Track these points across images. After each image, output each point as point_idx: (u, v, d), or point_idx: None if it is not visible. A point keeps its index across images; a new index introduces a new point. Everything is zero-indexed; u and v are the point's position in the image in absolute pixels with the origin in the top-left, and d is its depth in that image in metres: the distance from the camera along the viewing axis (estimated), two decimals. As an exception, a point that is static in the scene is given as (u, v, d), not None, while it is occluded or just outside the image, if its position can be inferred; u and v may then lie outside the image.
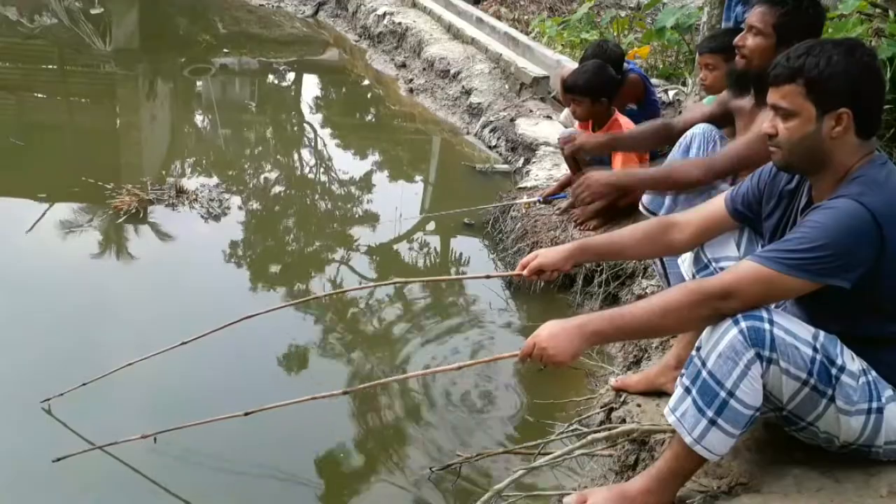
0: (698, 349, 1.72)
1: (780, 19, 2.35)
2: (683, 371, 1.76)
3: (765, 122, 1.81)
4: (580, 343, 1.77)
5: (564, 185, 3.88)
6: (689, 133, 2.67)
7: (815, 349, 1.65)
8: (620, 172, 2.78)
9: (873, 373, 1.72)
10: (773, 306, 1.73)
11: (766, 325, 1.63)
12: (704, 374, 1.67)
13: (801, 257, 1.63)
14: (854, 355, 1.71)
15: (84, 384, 2.59)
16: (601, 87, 3.68)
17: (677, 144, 2.75)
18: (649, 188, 2.67)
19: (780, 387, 1.66)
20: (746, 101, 2.59)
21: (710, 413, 1.67)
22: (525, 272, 2.24)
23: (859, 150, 1.73)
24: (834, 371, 1.66)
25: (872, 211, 1.62)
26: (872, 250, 1.63)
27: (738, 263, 1.77)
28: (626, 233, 2.20)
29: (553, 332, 1.79)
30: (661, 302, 1.74)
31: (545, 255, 2.22)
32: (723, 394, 1.65)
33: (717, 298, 1.67)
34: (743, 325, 1.63)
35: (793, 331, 1.65)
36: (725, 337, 1.65)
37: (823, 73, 1.68)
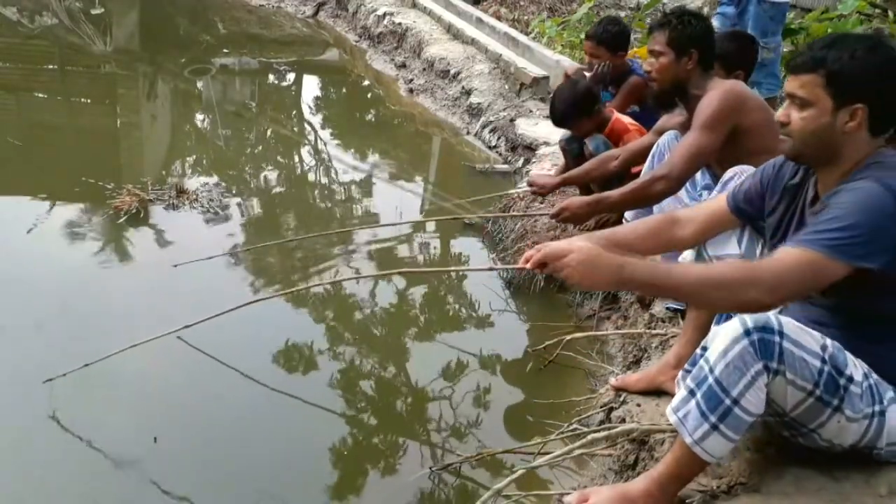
0: (704, 349, 1.72)
1: (670, 36, 2.68)
2: (688, 369, 1.76)
3: (779, 111, 1.81)
4: (608, 284, 1.75)
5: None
6: (658, 143, 2.94)
7: (823, 360, 1.64)
8: (597, 196, 2.92)
9: (874, 375, 1.72)
10: (777, 312, 1.72)
11: (777, 338, 1.61)
12: (711, 380, 1.66)
13: (837, 237, 1.61)
14: (857, 361, 1.70)
15: (87, 364, 2.63)
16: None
17: (650, 156, 2.90)
18: (628, 208, 2.86)
19: (784, 396, 1.65)
20: (678, 116, 2.87)
21: (713, 418, 1.66)
22: (528, 265, 2.23)
23: (868, 145, 1.73)
24: (842, 381, 1.65)
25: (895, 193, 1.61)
26: None
27: (777, 252, 1.71)
28: (630, 228, 2.20)
29: (588, 260, 1.71)
30: (712, 273, 1.70)
31: (549, 249, 2.20)
32: (727, 401, 1.64)
33: (767, 286, 1.62)
34: (754, 336, 1.62)
35: (802, 342, 1.64)
36: (735, 347, 1.63)
37: (845, 67, 1.67)
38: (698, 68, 2.70)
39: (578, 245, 1.75)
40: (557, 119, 3.80)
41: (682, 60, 2.68)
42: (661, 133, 3.02)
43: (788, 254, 1.65)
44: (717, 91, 2.63)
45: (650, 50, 2.73)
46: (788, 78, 1.77)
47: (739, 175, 2.28)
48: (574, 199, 2.95)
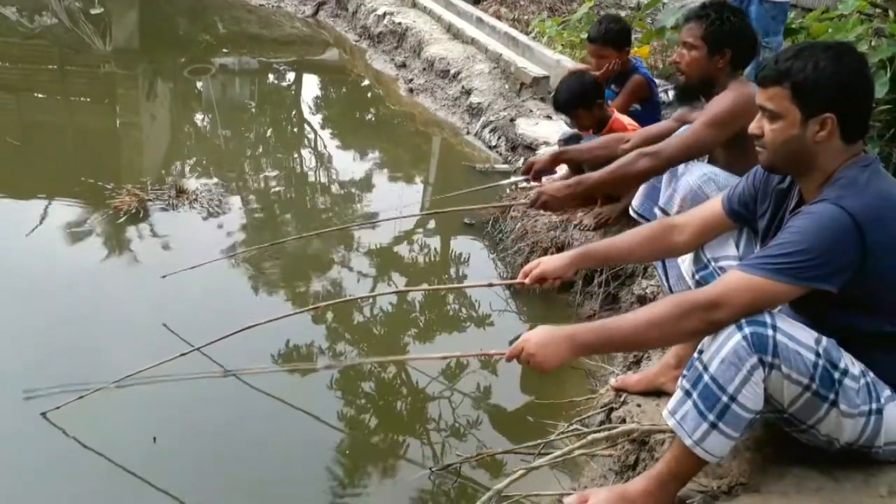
0: (700, 353, 1.72)
1: (706, 31, 2.57)
2: (684, 373, 1.76)
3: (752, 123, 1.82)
4: (567, 354, 1.79)
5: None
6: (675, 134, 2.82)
7: (817, 354, 1.64)
8: (577, 177, 2.85)
9: (871, 374, 1.72)
10: (777, 310, 1.73)
11: (770, 332, 1.62)
12: (707, 378, 1.67)
13: (784, 262, 1.64)
14: (853, 359, 1.71)
15: (81, 397, 2.58)
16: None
17: None
18: (609, 189, 2.78)
19: (781, 391, 1.66)
20: (699, 111, 2.74)
21: (711, 417, 1.66)
22: (527, 281, 2.26)
23: (844, 153, 1.73)
24: (837, 375, 1.65)
25: (852, 214, 1.62)
26: (855, 253, 1.63)
27: (724, 274, 1.77)
28: (627, 237, 2.20)
29: (542, 341, 1.81)
30: (647, 315, 1.74)
31: (547, 263, 2.23)
32: (725, 399, 1.65)
33: (704, 309, 1.67)
34: (746, 330, 1.63)
35: (796, 336, 1.65)
36: (729, 342, 1.64)
37: (809, 78, 1.68)
38: (728, 67, 2.61)
39: (529, 334, 1.85)
40: (560, 104, 3.80)
41: (715, 58, 2.58)
42: (681, 121, 2.94)
43: (732, 276, 1.69)
44: (733, 92, 2.58)
45: (683, 41, 2.64)
46: (758, 91, 1.78)
47: (688, 167, 2.31)
48: (551, 183, 2.89)
